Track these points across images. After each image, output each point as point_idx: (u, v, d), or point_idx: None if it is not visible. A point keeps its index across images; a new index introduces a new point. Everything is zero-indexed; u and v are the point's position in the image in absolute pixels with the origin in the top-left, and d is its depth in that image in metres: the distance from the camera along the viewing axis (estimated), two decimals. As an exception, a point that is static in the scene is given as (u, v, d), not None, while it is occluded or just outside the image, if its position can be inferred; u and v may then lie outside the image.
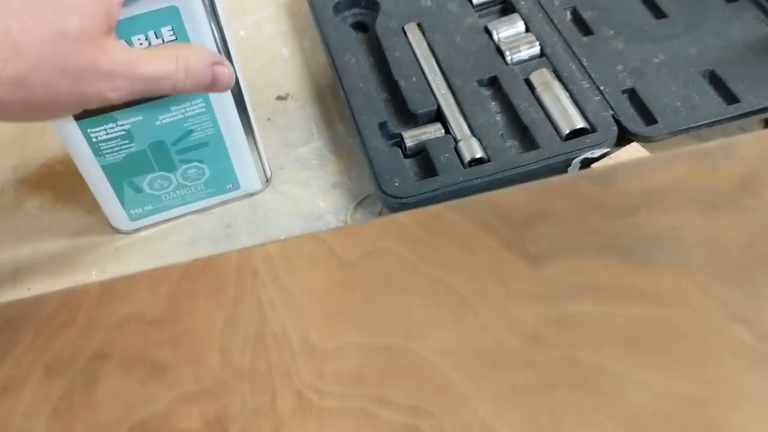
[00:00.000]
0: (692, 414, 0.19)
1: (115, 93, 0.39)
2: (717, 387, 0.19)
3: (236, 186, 0.61)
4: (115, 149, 0.53)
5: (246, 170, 0.61)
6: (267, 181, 0.63)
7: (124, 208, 0.59)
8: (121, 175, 0.56)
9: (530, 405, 0.20)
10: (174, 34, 0.48)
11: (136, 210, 0.59)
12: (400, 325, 0.21)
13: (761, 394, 0.19)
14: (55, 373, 0.21)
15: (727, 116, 0.60)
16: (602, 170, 0.24)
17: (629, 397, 0.20)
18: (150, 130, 0.53)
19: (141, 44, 0.48)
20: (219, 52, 0.52)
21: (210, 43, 0.51)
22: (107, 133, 0.52)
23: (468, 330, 0.21)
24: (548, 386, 0.20)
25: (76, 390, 0.21)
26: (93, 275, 0.59)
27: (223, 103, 0.55)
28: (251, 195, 0.63)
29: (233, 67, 0.53)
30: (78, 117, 0.50)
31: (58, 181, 0.66)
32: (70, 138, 0.52)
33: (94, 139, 0.52)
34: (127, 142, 0.53)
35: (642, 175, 0.23)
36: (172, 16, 0.48)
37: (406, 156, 0.61)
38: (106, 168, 0.55)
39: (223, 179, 0.60)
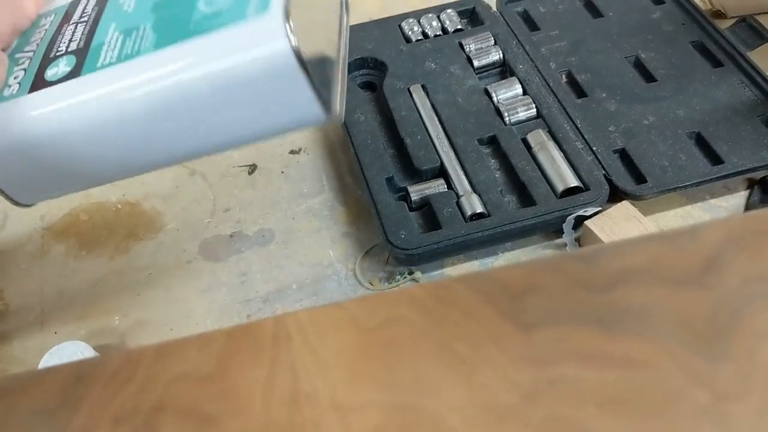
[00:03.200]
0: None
1: None
2: (680, 440, 0.23)
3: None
4: None
5: None
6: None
7: None
8: None
9: (524, 455, 0.23)
10: None
11: None
12: (414, 384, 0.25)
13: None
14: (120, 423, 0.25)
15: (711, 177, 0.64)
16: (587, 251, 0.28)
17: (607, 449, 0.23)
18: None
19: None
20: None
21: None
22: None
23: (473, 389, 0.25)
24: (539, 439, 0.24)
25: (139, 438, 0.25)
26: (116, 320, 0.62)
27: None
28: None
29: None
30: None
31: (82, 229, 0.70)
32: None
33: None
34: None
35: (620, 255, 0.27)
36: None
37: (411, 209, 0.65)
38: None
39: None
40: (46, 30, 0.40)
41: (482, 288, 0.27)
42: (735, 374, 0.25)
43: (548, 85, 0.73)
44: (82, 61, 0.36)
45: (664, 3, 0.82)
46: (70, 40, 0.38)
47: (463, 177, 0.66)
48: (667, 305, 0.26)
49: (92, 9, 0.40)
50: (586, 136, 0.68)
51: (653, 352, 0.25)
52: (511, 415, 0.24)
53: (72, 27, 0.39)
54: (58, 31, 0.39)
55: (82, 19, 0.39)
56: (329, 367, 0.25)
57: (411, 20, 0.81)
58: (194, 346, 0.26)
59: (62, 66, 0.36)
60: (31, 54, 0.38)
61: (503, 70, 0.77)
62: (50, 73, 0.36)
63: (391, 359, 0.26)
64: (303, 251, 0.66)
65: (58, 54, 0.37)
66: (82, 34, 0.38)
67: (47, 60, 0.37)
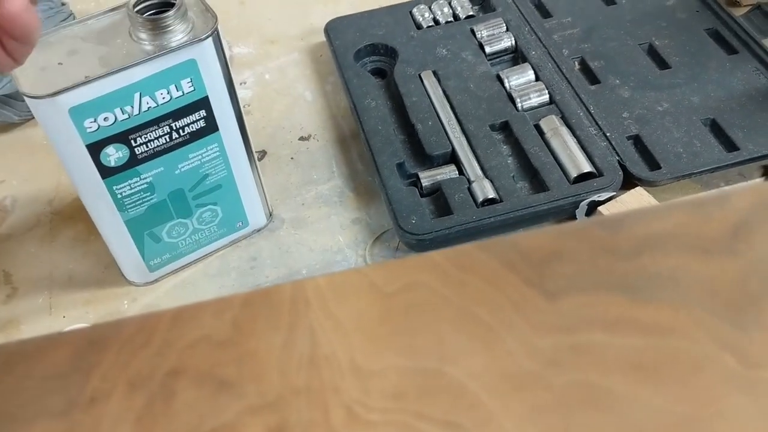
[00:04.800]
0: (687, 430, 0.22)
1: None
2: (708, 407, 0.22)
3: (245, 223, 0.64)
4: (138, 202, 0.56)
5: (253, 207, 0.63)
6: (270, 215, 0.66)
7: (144, 260, 0.60)
8: (142, 227, 0.58)
9: (548, 421, 0.23)
10: (192, 85, 0.52)
11: (155, 260, 0.61)
12: (434, 350, 0.24)
13: (745, 413, 0.22)
14: (136, 387, 0.24)
15: (726, 163, 0.63)
16: (611, 217, 0.28)
17: (633, 414, 0.23)
18: (170, 180, 0.56)
19: (164, 98, 0.51)
20: (230, 96, 0.55)
21: (222, 88, 0.54)
22: (131, 188, 0.54)
23: (494, 356, 0.24)
24: (564, 405, 0.23)
25: (156, 402, 0.24)
26: (125, 304, 0.62)
27: (234, 144, 0.58)
28: (258, 230, 0.65)
29: (238, 106, 0.55)
30: (104, 175, 0.52)
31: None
32: (94, 197, 0.54)
33: (119, 195, 0.54)
34: (149, 194, 0.56)
35: (646, 222, 0.27)
36: (190, 68, 0.51)
37: (422, 195, 0.65)
38: (129, 222, 0.56)
39: (233, 218, 0.63)
40: None
41: (504, 255, 0.27)
42: (765, 342, 0.24)
43: (561, 71, 0.72)
44: None
45: (678, -10, 0.81)
46: None
47: (475, 163, 0.65)
48: (695, 272, 0.26)
49: None
50: (599, 123, 0.67)
51: (681, 319, 0.25)
52: (533, 381, 0.23)
53: None
54: None
55: None
56: (348, 331, 0.25)
57: (422, 6, 0.80)
58: (211, 310, 0.26)
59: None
60: None
61: (515, 57, 0.76)
62: None
63: (411, 324, 0.25)
64: (313, 237, 0.66)
65: None
66: None
67: None
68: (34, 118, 0.77)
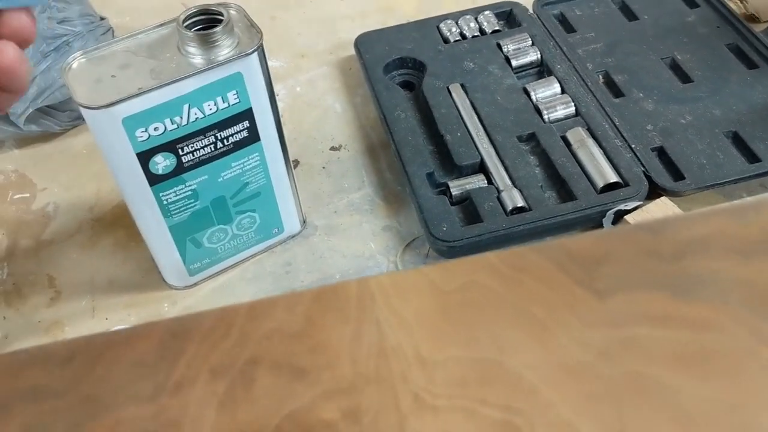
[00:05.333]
0: (731, 416, 0.24)
1: None
2: (750, 395, 0.24)
3: (281, 230, 0.66)
4: (182, 209, 0.58)
5: (289, 214, 0.66)
6: (304, 222, 0.68)
7: (185, 265, 0.63)
8: (185, 232, 0.60)
9: (602, 408, 0.24)
10: (238, 97, 0.54)
11: (195, 265, 0.63)
12: (492, 343, 0.26)
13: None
14: (218, 375, 0.26)
15: (749, 174, 0.65)
16: (654, 222, 0.30)
17: (680, 402, 0.24)
18: (213, 187, 0.58)
19: (211, 109, 0.53)
20: (271, 108, 0.57)
21: (265, 101, 0.56)
22: (176, 195, 0.57)
23: (549, 349, 0.26)
24: (615, 394, 0.25)
25: (237, 388, 0.26)
26: (165, 307, 0.64)
27: (274, 153, 0.60)
28: (292, 237, 0.67)
29: (278, 117, 0.58)
30: (152, 182, 0.55)
31: (130, 221, 0.71)
32: (141, 203, 0.57)
33: (164, 202, 0.57)
34: (193, 201, 0.58)
35: (687, 227, 0.29)
36: (236, 81, 0.53)
37: (452, 203, 0.66)
38: (172, 228, 0.59)
39: (270, 225, 0.65)
40: None
41: (555, 257, 0.28)
42: (802, 337, 0.26)
43: (586, 84, 0.74)
44: None
45: (699, 6, 0.83)
46: None
47: (504, 172, 0.67)
48: (735, 274, 0.28)
49: None
50: (624, 134, 0.69)
51: (722, 316, 0.26)
52: (585, 371, 0.25)
53: None
54: None
55: None
56: (411, 325, 0.27)
57: (449, 21, 0.82)
58: (282, 305, 0.28)
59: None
60: None
61: (541, 70, 0.78)
62: None
63: (470, 320, 0.27)
64: (345, 243, 0.68)
65: None
66: None
67: None
68: (74, 127, 0.80)
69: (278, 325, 0.27)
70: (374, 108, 0.77)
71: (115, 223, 0.71)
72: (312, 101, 0.82)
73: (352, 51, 0.84)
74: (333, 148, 0.77)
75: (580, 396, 0.25)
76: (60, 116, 0.77)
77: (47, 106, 0.75)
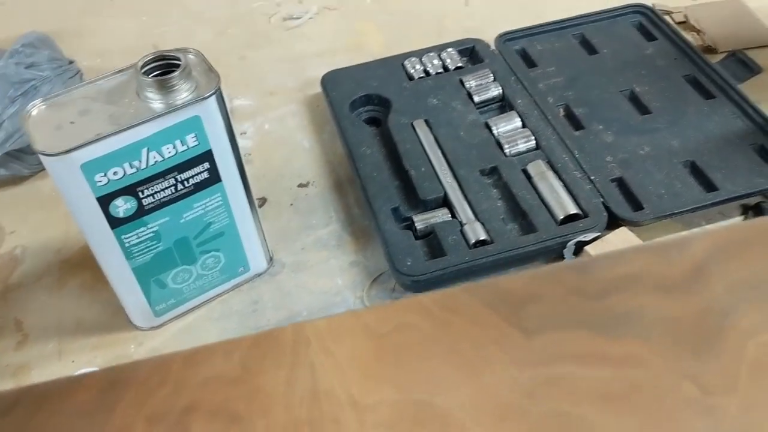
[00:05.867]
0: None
1: None
2: (673, 429, 0.25)
3: (247, 268, 0.67)
4: (144, 250, 0.58)
5: (254, 252, 0.66)
6: (270, 260, 0.69)
7: (150, 306, 0.63)
8: (149, 273, 0.60)
9: (527, 447, 0.25)
10: (197, 139, 0.55)
11: (160, 306, 0.64)
12: (424, 384, 0.27)
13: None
14: (154, 423, 0.27)
15: (707, 203, 0.67)
16: (581, 261, 0.31)
17: (605, 440, 0.25)
18: (175, 228, 0.59)
19: (170, 152, 0.54)
20: (231, 149, 0.58)
21: (224, 142, 0.57)
22: (138, 237, 0.57)
23: (478, 388, 0.27)
24: (541, 432, 0.26)
25: (173, 436, 0.26)
26: (131, 348, 0.64)
27: (236, 193, 0.61)
28: (259, 275, 0.68)
29: (239, 158, 0.58)
30: (113, 225, 0.55)
31: (96, 264, 0.72)
32: (103, 246, 0.57)
33: (126, 244, 0.57)
34: (155, 242, 0.59)
35: (612, 266, 0.29)
36: (195, 124, 0.54)
37: (416, 237, 0.67)
38: (136, 270, 0.59)
39: (235, 264, 0.65)
40: None
41: (486, 297, 0.29)
42: (722, 371, 0.27)
43: (546, 118, 0.76)
44: None
45: (657, 39, 0.86)
46: None
47: (467, 206, 0.68)
48: (658, 310, 0.28)
49: None
50: (584, 166, 0.70)
51: (646, 352, 0.27)
52: (513, 411, 0.26)
53: None
54: None
55: None
56: (345, 368, 0.28)
57: (413, 59, 0.84)
58: (220, 351, 0.28)
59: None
60: None
61: (503, 105, 0.80)
62: None
63: (402, 361, 0.28)
64: (312, 280, 0.68)
65: None
66: None
67: None
68: (42, 170, 0.81)
69: (215, 372, 0.28)
70: (341, 144, 0.78)
71: (82, 264, 0.72)
72: (280, 138, 0.83)
73: (320, 88, 0.85)
74: (301, 185, 0.78)
75: (508, 436, 0.25)
76: (29, 159, 0.78)
77: (16, 150, 0.76)
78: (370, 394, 0.27)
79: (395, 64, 0.84)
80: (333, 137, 0.82)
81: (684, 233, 0.31)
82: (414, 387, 0.27)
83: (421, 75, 0.83)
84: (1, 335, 0.66)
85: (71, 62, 0.82)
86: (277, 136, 0.84)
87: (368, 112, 0.82)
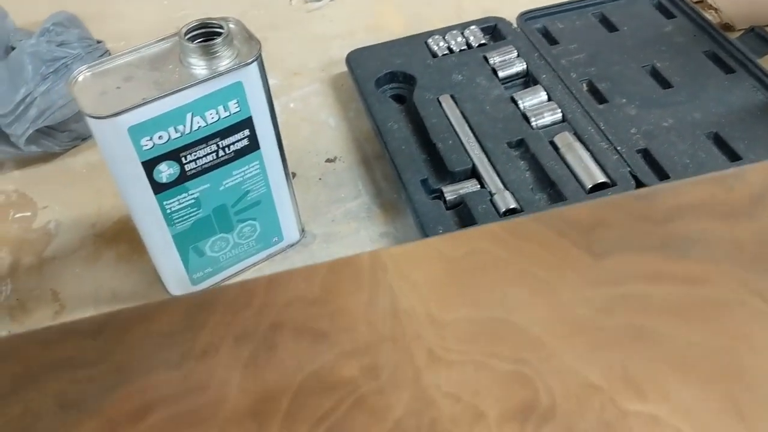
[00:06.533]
0: (721, 359, 0.26)
1: None
2: (738, 340, 0.26)
3: (281, 238, 0.68)
4: (185, 217, 0.60)
5: (288, 223, 0.67)
6: (302, 231, 0.70)
7: (187, 273, 0.64)
8: (188, 241, 0.62)
9: (605, 356, 0.26)
10: (238, 105, 0.56)
11: (198, 274, 0.65)
12: (499, 302, 0.28)
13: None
14: (242, 340, 0.28)
15: (731, 171, 0.68)
16: (646, 190, 0.32)
17: (676, 348, 0.26)
18: (215, 196, 0.60)
19: (213, 118, 0.55)
20: (270, 117, 0.59)
21: (264, 110, 0.58)
22: (180, 203, 0.58)
23: (552, 306, 0.28)
24: (616, 343, 0.26)
25: (260, 351, 0.27)
26: (169, 316, 0.65)
27: (273, 162, 0.62)
28: (292, 246, 0.69)
29: (277, 126, 0.59)
30: (156, 191, 0.56)
31: (132, 236, 0.72)
32: (145, 212, 0.58)
33: (168, 210, 0.58)
34: (195, 209, 0.60)
35: (676, 194, 0.31)
36: (237, 90, 0.55)
37: (447, 208, 0.68)
38: (176, 237, 0.60)
39: (270, 233, 0.67)
40: None
41: (554, 224, 0.30)
42: (786, 287, 0.28)
43: (571, 92, 0.77)
44: None
45: (675, 17, 0.87)
46: None
47: (495, 176, 0.69)
48: (721, 233, 0.30)
49: None
50: (609, 138, 0.72)
51: (711, 271, 0.28)
52: (587, 324, 0.27)
53: None
54: None
55: None
56: (423, 289, 0.29)
57: (436, 36, 0.85)
58: (300, 276, 0.29)
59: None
60: None
61: (527, 81, 0.81)
62: None
63: (477, 282, 0.29)
64: (343, 251, 0.69)
65: None
66: None
67: None
68: (73, 148, 0.82)
69: (297, 294, 0.29)
70: (367, 121, 0.79)
71: (117, 238, 0.73)
72: (306, 117, 0.84)
73: (343, 68, 0.86)
74: (328, 160, 0.79)
75: (584, 346, 0.26)
76: (60, 137, 0.79)
77: (47, 127, 0.77)
78: (449, 311, 0.28)
79: (419, 42, 0.86)
80: (358, 115, 0.83)
81: (744, 166, 0.32)
82: (490, 305, 0.28)
83: (445, 52, 0.84)
84: (38, 305, 0.67)
85: (99, 42, 0.83)
86: (303, 115, 0.85)
87: (393, 89, 0.83)
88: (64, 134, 0.79)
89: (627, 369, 0.25)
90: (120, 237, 0.72)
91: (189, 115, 0.54)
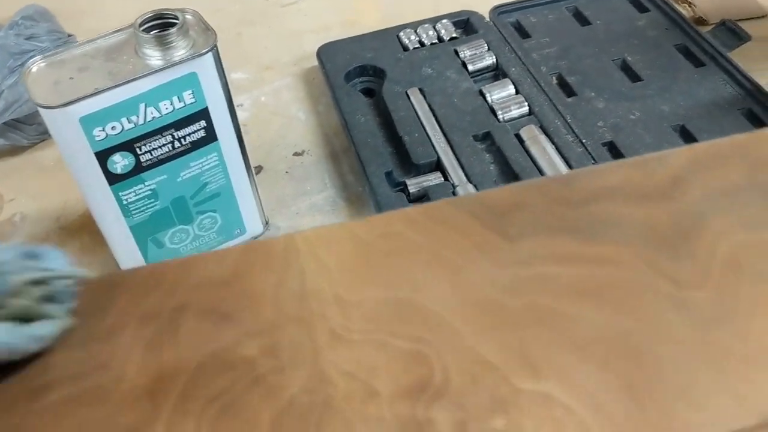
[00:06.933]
0: (623, 340, 0.25)
1: None
2: (643, 322, 0.26)
3: (243, 230, 0.68)
4: (142, 209, 0.59)
5: (251, 215, 0.67)
6: (266, 224, 0.70)
7: None
8: (146, 232, 0.61)
9: (505, 336, 0.26)
10: (194, 97, 0.56)
11: None
12: (407, 283, 0.28)
13: (678, 329, 0.25)
14: (147, 321, 0.27)
15: (695, 164, 0.67)
16: (565, 175, 0.32)
17: (577, 328, 0.26)
18: (173, 187, 0.60)
19: (167, 109, 0.55)
20: (228, 108, 0.59)
21: (221, 101, 0.58)
22: (136, 194, 0.58)
23: (460, 286, 0.28)
24: (518, 323, 0.26)
25: (164, 331, 0.27)
26: (130, 308, 0.65)
27: (233, 154, 0.62)
28: (255, 238, 0.69)
29: (235, 118, 0.59)
30: (111, 182, 0.56)
31: (95, 228, 0.72)
32: (101, 203, 0.58)
33: (124, 202, 0.58)
34: (153, 200, 0.59)
35: (596, 177, 0.30)
36: (192, 81, 0.55)
37: (410, 200, 0.68)
38: (134, 228, 0.60)
39: (232, 225, 0.66)
40: None
41: (470, 208, 0.30)
42: (695, 268, 0.27)
43: (540, 85, 0.77)
44: None
45: (649, 11, 0.87)
46: None
47: (459, 170, 0.69)
48: (637, 216, 0.29)
49: None
50: (576, 131, 0.71)
51: (623, 253, 0.28)
52: (491, 305, 0.27)
53: None
54: None
55: None
56: (333, 271, 0.28)
57: (408, 30, 0.85)
58: (213, 259, 0.29)
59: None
60: None
61: (496, 74, 0.81)
62: None
63: (387, 265, 0.29)
64: (308, 244, 0.69)
65: None
66: None
67: None
68: (41, 141, 0.82)
69: (207, 276, 0.29)
70: (336, 114, 0.79)
71: (80, 230, 0.72)
72: (276, 110, 0.84)
73: (315, 62, 0.86)
74: (296, 154, 0.79)
75: (485, 326, 0.26)
76: (27, 130, 0.79)
77: (15, 120, 0.77)
78: (356, 292, 0.28)
79: (390, 35, 0.85)
80: (328, 109, 0.83)
81: (666, 150, 0.31)
82: (397, 286, 0.28)
83: (416, 46, 0.84)
84: None
85: (70, 35, 0.83)
86: (273, 108, 0.85)
87: (363, 82, 0.82)
88: (32, 127, 0.79)
89: (525, 348, 0.25)
90: (83, 229, 0.72)
91: (142, 106, 0.54)
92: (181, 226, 0.63)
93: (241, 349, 0.26)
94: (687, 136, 0.71)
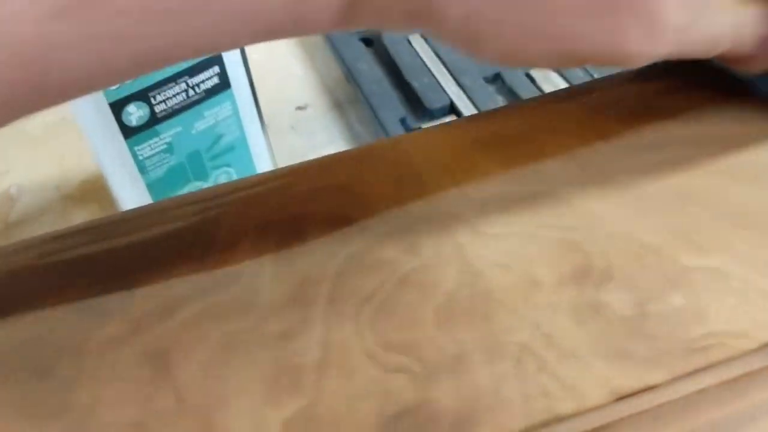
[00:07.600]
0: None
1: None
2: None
3: None
4: (157, 164, 0.57)
5: (265, 169, 0.65)
6: None
7: None
8: (162, 190, 0.59)
9: (655, 219, 0.25)
10: None
11: None
12: (537, 176, 0.27)
13: None
14: (265, 232, 0.26)
15: None
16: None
17: (728, 204, 0.25)
18: (187, 140, 0.57)
19: None
20: (240, 53, 0.56)
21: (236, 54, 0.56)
22: (152, 149, 0.56)
23: (593, 176, 0.27)
24: (665, 205, 0.25)
25: (290, 241, 0.26)
26: (148, 272, 0.62)
27: (245, 104, 0.59)
28: None
29: (247, 64, 0.57)
30: (126, 135, 0.53)
31: (102, 195, 0.69)
32: (116, 159, 0.55)
33: (140, 157, 0.55)
34: (168, 155, 0.57)
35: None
36: None
37: (427, 146, 0.67)
38: (150, 185, 0.58)
39: None
40: None
41: (587, 102, 0.29)
42: None
43: (542, 24, 0.76)
44: None
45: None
46: None
47: (475, 111, 0.68)
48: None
49: None
50: (587, 66, 0.71)
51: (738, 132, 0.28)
52: (634, 190, 0.26)
53: None
54: None
55: None
56: (455, 170, 0.27)
57: (402, -23, 0.83)
58: (322, 165, 0.28)
59: None
60: None
61: (497, 16, 0.79)
62: None
63: (509, 160, 0.27)
64: (324, 196, 0.67)
65: None
66: None
67: None
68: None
69: (321, 183, 0.27)
70: (337, 66, 0.77)
71: (85, 198, 0.69)
72: (270, 66, 0.82)
73: (306, 16, 0.83)
74: (299, 108, 0.76)
75: (631, 211, 0.25)
76: (13, 98, 0.74)
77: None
78: (485, 189, 0.27)
79: (384, -16, 0.83)
80: (326, 62, 0.81)
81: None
82: (528, 180, 0.27)
83: (412, -8, 0.82)
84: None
85: None
86: (267, 65, 0.82)
87: (361, 32, 0.80)
88: (17, 96, 0.74)
89: (681, 228, 0.24)
90: (88, 197, 0.69)
91: None
92: (196, 183, 0.60)
93: (378, 251, 0.24)
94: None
